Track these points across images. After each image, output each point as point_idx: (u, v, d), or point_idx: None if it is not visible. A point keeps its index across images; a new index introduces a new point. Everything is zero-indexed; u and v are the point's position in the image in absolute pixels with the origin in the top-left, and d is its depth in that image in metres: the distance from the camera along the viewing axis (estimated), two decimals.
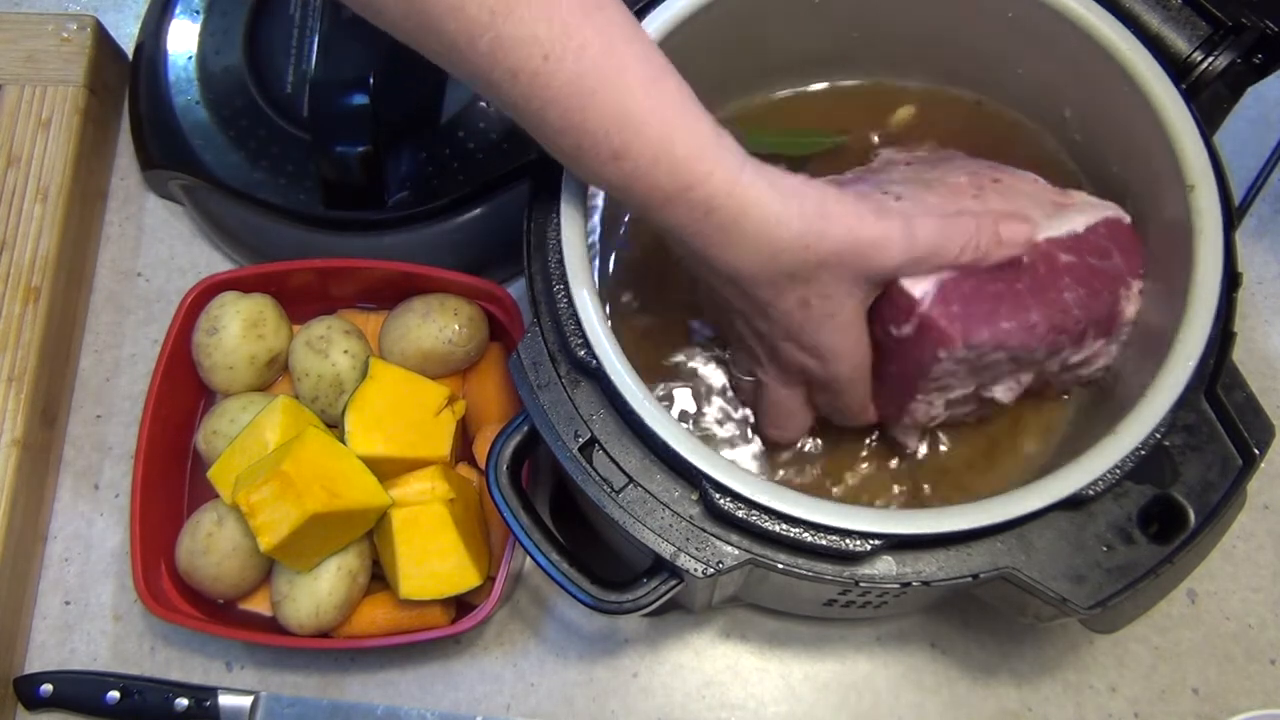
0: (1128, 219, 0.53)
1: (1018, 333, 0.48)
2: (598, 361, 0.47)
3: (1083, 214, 0.52)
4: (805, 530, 0.44)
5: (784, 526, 0.44)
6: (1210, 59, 0.52)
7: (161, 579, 0.58)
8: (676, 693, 0.61)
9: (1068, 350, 0.51)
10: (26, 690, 0.60)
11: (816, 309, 0.45)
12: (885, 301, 0.48)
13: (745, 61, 0.59)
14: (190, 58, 0.69)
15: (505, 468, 0.49)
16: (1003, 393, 0.52)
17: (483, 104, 0.67)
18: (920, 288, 0.46)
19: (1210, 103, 0.52)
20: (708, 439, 0.56)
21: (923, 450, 0.56)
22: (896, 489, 0.56)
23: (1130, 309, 0.52)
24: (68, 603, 0.63)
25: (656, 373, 0.57)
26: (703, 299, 0.54)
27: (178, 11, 0.70)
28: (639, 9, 0.53)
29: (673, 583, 0.46)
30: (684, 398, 0.57)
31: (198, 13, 0.69)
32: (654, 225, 0.44)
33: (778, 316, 0.46)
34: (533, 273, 0.50)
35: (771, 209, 0.42)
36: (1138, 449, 0.45)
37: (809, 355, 0.48)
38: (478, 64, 0.41)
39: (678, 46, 0.53)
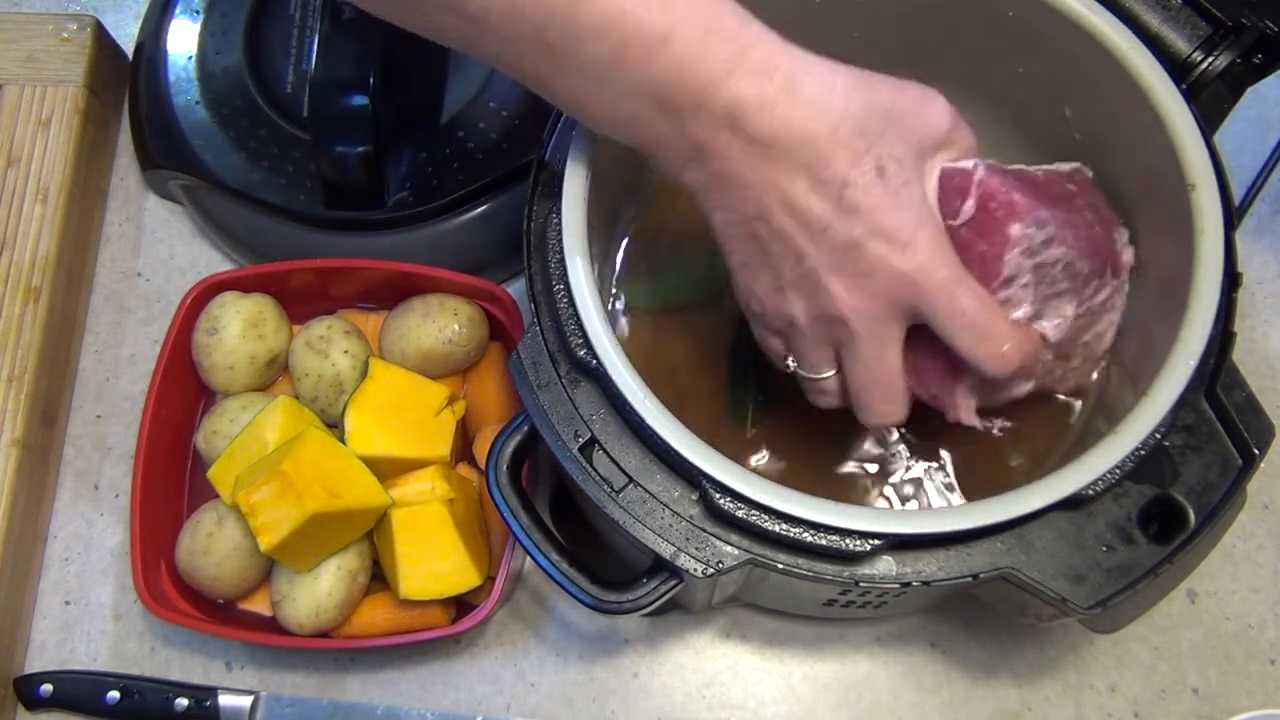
0: (1089, 173, 0.52)
1: (1070, 223, 0.46)
2: (598, 361, 0.47)
3: (1052, 166, 0.51)
4: (805, 530, 0.44)
5: (784, 526, 0.44)
6: (1210, 59, 0.52)
7: (161, 579, 0.58)
8: (676, 693, 0.61)
9: (1096, 280, 0.49)
10: (26, 690, 0.60)
11: (893, 176, 0.42)
12: (939, 199, 0.45)
13: None
14: (190, 58, 0.69)
15: (505, 468, 0.49)
16: (1051, 329, 0.48)
17: (482, 104, 0.67)
18: (970, 161, 0.45)
19: (1210, 103, 0.52)
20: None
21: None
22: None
23: (1126, 255, 0.51)
24: (68, 603, 0.63)
25: (656, 372, 0.57)
26: (759, 313, 0.47)
27: (178, 11, 0.70)
28: None
29: (673, 583, 0.46)
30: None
31: (198, 13, 0.70)
32: (701, 131, 0.41)
33: (856, 198, 0.42)
34: (533, 273, 0.50)
35: (823, 61, 0.42)
36: (1137, 449, 0.45)
37: (893, 246, 0.42)
38: None
39: None
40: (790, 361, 0.48)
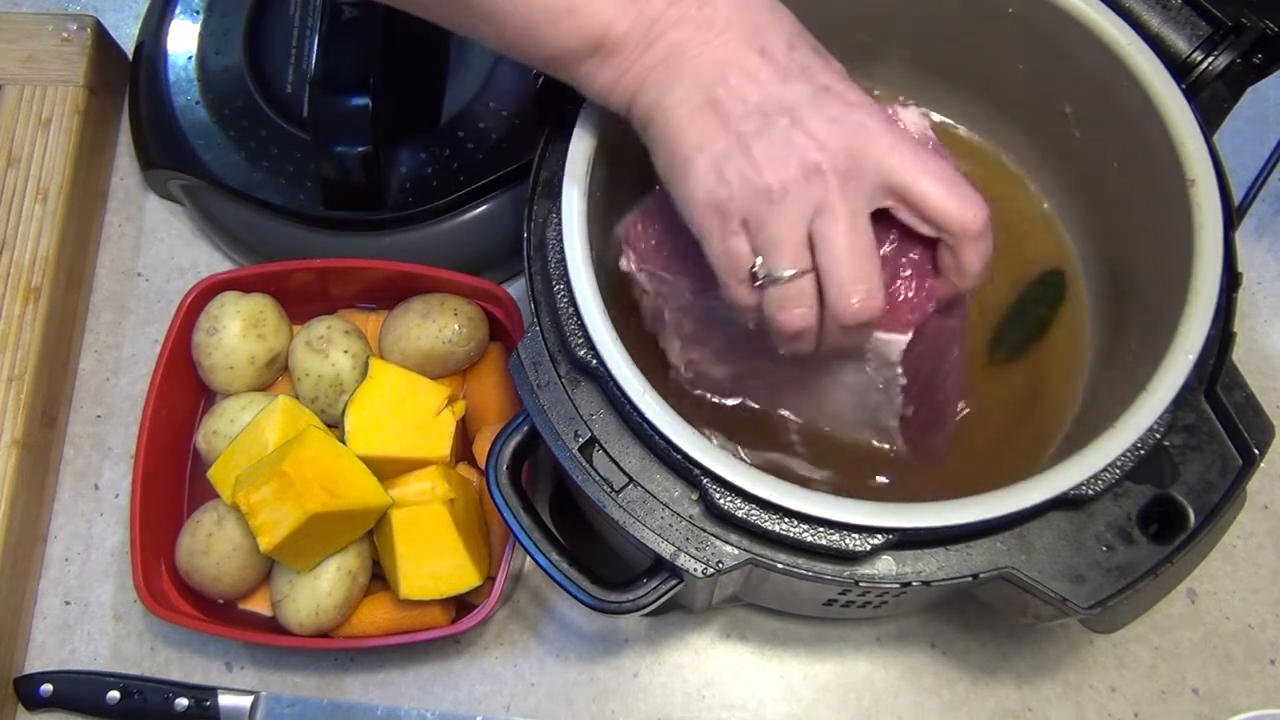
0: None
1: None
2: (598, 360, 0.47)
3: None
4: (805, 528, 0.44)
5: (784, 525, 0.44)
6: (1210, 59, 0.52)
7: (161, 579, 0.58)
8: (676, 693, 0.61)
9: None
10: (26, 690, 0.60)
11: (821, 51, 0.44)
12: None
13: None
14: (190, 58, 0.69)
15: (505, 468, 0.49)
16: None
17: (482, 104, 0.67)
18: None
19: (1210, 103, 0.52)
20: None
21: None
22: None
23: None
24: (68, 603, 0.63)
25: (656, 371, 0.57)
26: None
27: (178, 11, 0.70)
28: None
29: (673, 583, 0.46)
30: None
31: (198, 13, 0.70)
32: (645, 24, 0.42)
33: (807, 59, 0.43)
34: (533, 273, 0.50)
35: None
36: (1136, 447, 0.45)
37: (855, 99, 0.42)
38: None
39: None
40: (757, 265, 0.43)
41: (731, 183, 0.42)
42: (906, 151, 0.41)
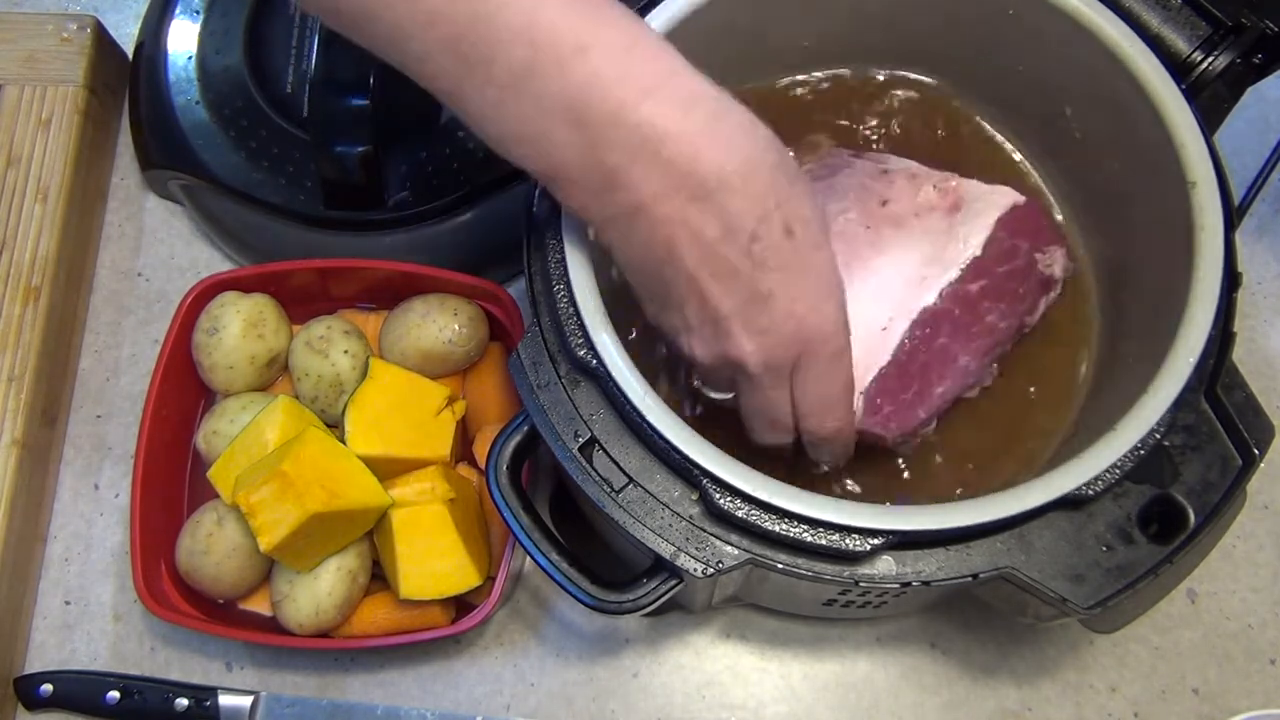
0: (1023, 199, 0.54)
1: (955, 379, 0.52)
2: (598, 360, 0.47)
3: (979, 221, 0.53)
4: (805, 529, 0.44)
5: (784, 525, 0.44)
6: (1210, 59, 0.52)
7: (161, 579, 0.58)
8: (676, 693, 0.61)
9: (1010, 339, 0.54)
10: (26, 690, 0.60)
11: (801, 238, 0.41)
12: None
13: (746, 51, 0.59)
14: (190, 58, 0.69)
15: (505, 468, 0.49)
16: (976, 392, 0.54)
17: None
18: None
19: (1210, 103, 0.52)
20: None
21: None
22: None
23: (1057, 269, 0.54)
24: (68, 603, 0.63)
25: (656, 371, 0.57)
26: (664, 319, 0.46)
27: (178, 11, 0.70)
28: (643, 5, 0.53)
29: (673, 583, 0.46)
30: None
31: (198, 13, 0.69)
32: (613, 155, 0.39)
33: (765, 254, 0.41)
34: (533, 273, 0.50)
35: (745, 109, 0.40)
36: (1137, 448, 0.45)
37: (801, 309, 0.42)
38: None
39: (681, 35, 0.53)
40: (695, 381, 0.53)
41: (669, 340, 0.46)
42: (823, 368, 0.45)
